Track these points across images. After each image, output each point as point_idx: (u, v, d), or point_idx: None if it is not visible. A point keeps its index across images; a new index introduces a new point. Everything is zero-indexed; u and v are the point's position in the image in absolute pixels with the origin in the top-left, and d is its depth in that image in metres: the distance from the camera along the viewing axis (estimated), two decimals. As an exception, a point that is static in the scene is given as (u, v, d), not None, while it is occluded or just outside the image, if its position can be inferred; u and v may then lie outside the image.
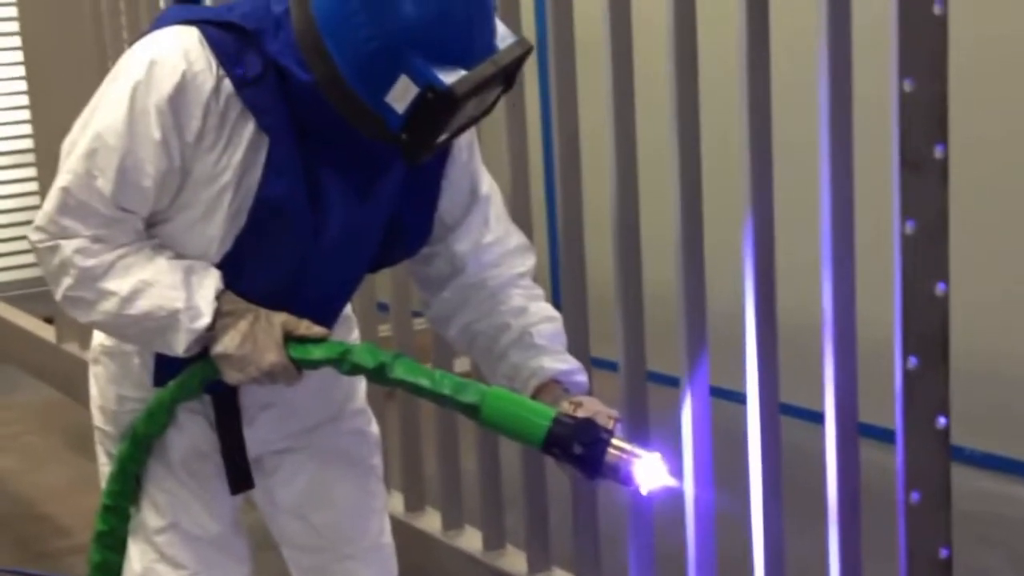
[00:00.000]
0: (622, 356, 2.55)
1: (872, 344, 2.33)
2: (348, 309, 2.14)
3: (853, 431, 2.08)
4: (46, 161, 4.40)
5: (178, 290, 1.81)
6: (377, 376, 1.84)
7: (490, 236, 2.03)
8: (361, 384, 2.21)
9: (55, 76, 4.39)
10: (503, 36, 1.76)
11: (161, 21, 1.86)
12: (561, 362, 1.95)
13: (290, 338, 1.84)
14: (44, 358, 4.65)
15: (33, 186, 5.17)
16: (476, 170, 2.04)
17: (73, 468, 4.53)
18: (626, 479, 1.75)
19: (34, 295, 5.14)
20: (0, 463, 4.78)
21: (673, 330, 2.41)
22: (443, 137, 1.75)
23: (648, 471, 1.75)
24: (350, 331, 2.16)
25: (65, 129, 1.86)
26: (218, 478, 2.04)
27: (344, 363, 1.84)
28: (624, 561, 2.59)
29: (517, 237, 2.08)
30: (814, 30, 2.01)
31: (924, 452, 1.95)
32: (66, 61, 4.29)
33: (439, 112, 1.69)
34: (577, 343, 2.35)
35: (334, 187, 1.87)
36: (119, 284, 1.82)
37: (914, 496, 1.95)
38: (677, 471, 1.96)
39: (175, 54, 1.77)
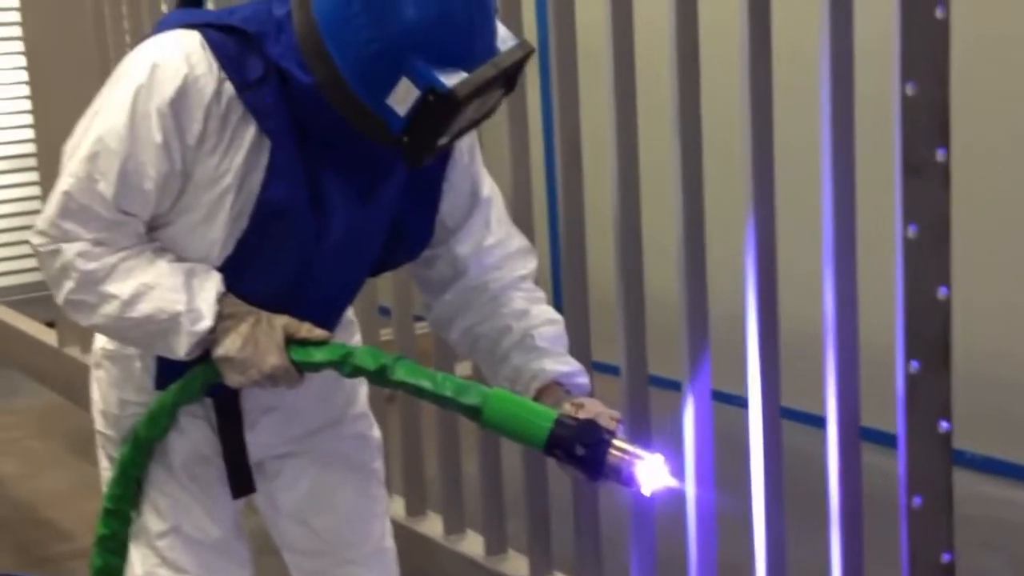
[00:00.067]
0: (624, 360, 2.55)
1: (874, 348, 2.33)
2: (350, 313, 2.14)
3: (855, 435, 2.08)
4: (48, 165, 4.40)
5: (179, 293, 1.81)
6: (378, 378, 1.84)
7: (491, 239, 2.03)
8: (363, 388, 2.21)
9: (57, 80, 4.39)
10: (504, 38, 1.77)
11: (163, 25, 1.86)
12: (563, 364, 1.95)
13: (291, 341, 1.84)
14: (45, 362, 4.64)
15: (35, 190, 5.17)
16: (477, 173, 2.04)
17: (74, 472, 4.52)
18: (628, 480, 1.75)
19: (36, 299, 5.14)
20: (1, 467, 4.78)
21: (675, 334, 2.41)
22: (444, 139, 1.75)
23: (650, 472, 1.75)
24: (352, 335, 2.16)
25: (67, 133, 1.86)
26: (220, 482, 2.04)
27: (346, 365, 1.84)
28: (626, 566, 2.59)
29: (519, 240, 2.08)
30: (816, 34, 2.01)
31: (926, 456, 1.95)
32: (68, 65, 4.29)
33: (440, 114, 1.69)
34: (579, 347, 2.35)
35: (336, 190, 1.87)
36: (120, 287, 1.82)
37: (916, 500, 1.95)
38: (679, 475, 1.96)
39: (177, 57, 1.77)
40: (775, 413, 2.24)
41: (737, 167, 2.21)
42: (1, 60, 6.13)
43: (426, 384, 1.81)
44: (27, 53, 4.74)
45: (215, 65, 1.77)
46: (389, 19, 1.67)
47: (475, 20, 1.70)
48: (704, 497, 2.38)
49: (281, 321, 1.84)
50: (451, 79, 1.66)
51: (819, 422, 2.17)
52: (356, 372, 1.84)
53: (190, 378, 1.90)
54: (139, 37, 2.05)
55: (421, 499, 3.29)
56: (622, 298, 2.54)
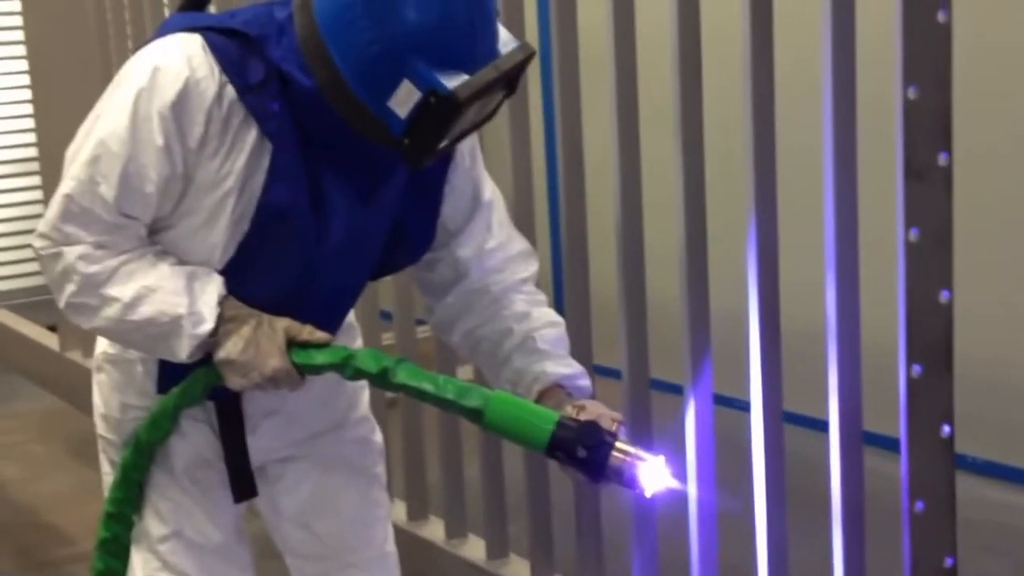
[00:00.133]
0: (625, 363, 2.55)
1: (876, 352, 2.32)
2: (351, 317, 2.14)
3: (857, 439, 2.08)
4: (50, 170, 4.40)
5: (181, 296, 1.81)
6: (380, 381, 1.84)
7: (493, 242, 2.03)
8: (364, 392, 2.21)
9: (59, 84, 4.39)
10: (505, 41, 1.77)
11: (164, 28, 1.87)
12: (564, 366, 1.95)
13: (293, 343, 1.84)
14: (47, 366, 4.64)
15: (37, 195, 5.17)
16: (479, 176, 2.04)
17: (76, 476, 4.52)
18: (630, 482, 1.75)
19: (37, 303, 5.14)
20: (2, 471, 4.78)
21: (677, 337, 2.40)
22: (446, 142, 1.75)
23: (652, 474, 1.75)
24: (353, 339, 2.16)
25: (69, 137, 1.86)
26: (221, 486, 2.04)
27: (347, 368, 1.84)
28: (628, 569, 2.58)
29: (520, 243, 2.08)
30: (818, 38, 2.00)
31: (928, 461, 1.95)
32: (70, 69, 4.29)
33: (441, 116, 1.69)
34: (580, 350, 2.35)
35: (337, 192, 1.87)
36: (122, 290, 1.82)
37: (918, 505, 1.95)
38: (681, 479, 1.96)
39: (178, 61, 1.77)
40: (777, 417, 2.23)
41: (739, 171, 2.21)
42: (3, 64, 6.14)
43: (428, 387, 1.81)
44: (29, 58, 4.74)
45: (216, 68, 1.77)
46: (390, 21, 1.67)
47: (476, 22, 1.70)
48: (706, 501, 2.38)
49: (282, 324, 1.84)
50: (452, 81, 1.67)
51: (821, 426, 2.17)
52: (358, 375, 1.84)
53: (192, 381, 1.90)
54: (141, 42, 2.05)
55: (422, 503, 3.29)
56: (624, 301, 2.54)
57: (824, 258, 2.05)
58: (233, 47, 1.79)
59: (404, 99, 1.69)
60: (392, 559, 2.23)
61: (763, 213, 2.19)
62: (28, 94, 4.90)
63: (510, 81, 1.77)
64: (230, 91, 1.78)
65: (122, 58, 3.68)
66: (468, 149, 2.01)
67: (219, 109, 1.78)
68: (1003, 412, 4.13)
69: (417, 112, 1.69)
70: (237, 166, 1.80)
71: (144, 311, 1.82)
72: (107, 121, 1.80)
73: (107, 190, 1.79)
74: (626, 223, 2.51)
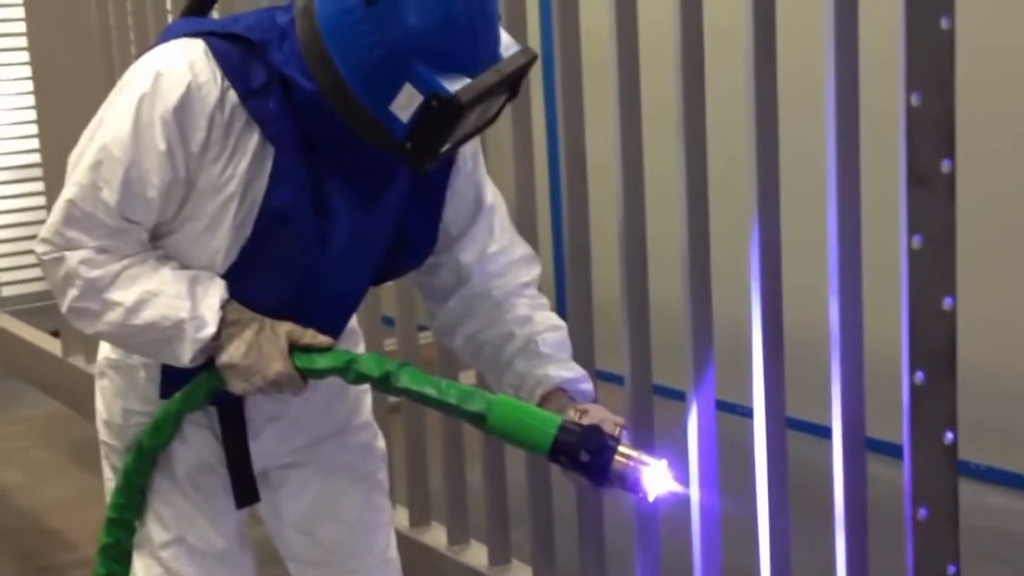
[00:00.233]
0: (628, 369, 2.55)
1: (879, 359, 2.32)
2: (354, 322, 2.14)
3: (860, 446, 2.08)
4: (53, 175, 4.41)
5: (183, 300, 1.81)
6: (383, 385, 1.84)
7: (495, 246, 2.03)
8: (367, 398, 2.21)
9: (62, 91, 4.39)
10: (507, 45, 1.77)
11: (167, 34, 1.87)
12: (566, 370, 1.95)
13: (295, 347, 1.84)
14: (49, 372, 4.64)
15: (40, 200, 5.18)
16: (481, 180, 2.04)
17: (78, 482, 4.52)
18: (633, 486, 1.75)
19: (40, 309, 5.15)
20: (5, 477, 4.78)
21: (679, 343, 2.40)
22: (448, 146, 1.75)
23: (655, 478, 1.75)
24: (356, 345, 2.16)
25: (72, 142, 1.86)
26: (224, 492, 2.04)
27: (350, 372, 1.84)
28: (630, 574, 2.58)
29: (522, 247, 2.08)
30: (821, 43, 2.00)
31: (931, 467, 1.94)
32: (73, 76, 4.29)
33: (443, 120, 1.69)
34: (583, 356, 2.34)
35: (339, 196, 1.87)
36: (124, 295, 1.82)
37: (921, 512, 1.94)
38: (683, 485, 1.95)
39: (180, 66, 1.77)
40: (780, 423, 2.23)
41: (742, 177, 2.21)
42: (6, 71, 6.15)
43: (430, 391, 1.81)
44: (32, 63, 4.75)
45: (219, 73, 1.78)
46: (392, 25, 1.67)
47: (478, 26, 1.70)
48: (709, 507, 2.38)
49: (285, 328, 1.84)
50: (454, 85, 1.66)
51: (824, 432, 2.16)
52: (360, 379, 1.84)
53: (194, 386, 1.90)
54: (144, 48, 2.06)
55: (425, 509, 3.28)
56: (626, 307, 2.54)
57: (827, 264, 2.05)
58: (235, 52, 1.79)
59: (406, 103, 1.69)
60: (394, 565, 2.23)
61: (766, 218, 2.19)
62: (31, 100, 4.91)
63: (512, 85, 1.77)
64: (232, 96, 1.78)
65: (125, 64, 3.68)
66: (470, 153, 2.01)
67: (221, 114, 1.78)
68: (1006, 419, 4.13)
69: (419, 116, 1.69)
70: (239, 170, 1.80)
71: (146, 315, 1.82)
72: (109, 126, 1.80)
73: (109, 195, 1.79)
74: (628, 227, 2.51)
